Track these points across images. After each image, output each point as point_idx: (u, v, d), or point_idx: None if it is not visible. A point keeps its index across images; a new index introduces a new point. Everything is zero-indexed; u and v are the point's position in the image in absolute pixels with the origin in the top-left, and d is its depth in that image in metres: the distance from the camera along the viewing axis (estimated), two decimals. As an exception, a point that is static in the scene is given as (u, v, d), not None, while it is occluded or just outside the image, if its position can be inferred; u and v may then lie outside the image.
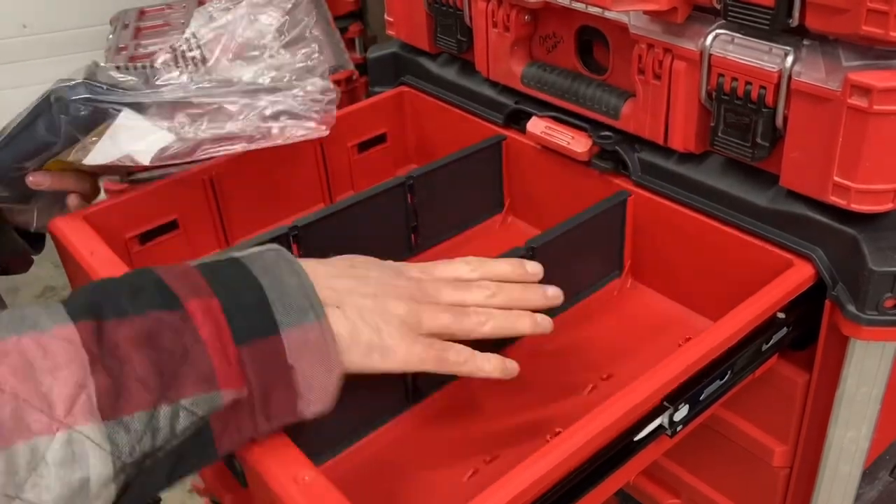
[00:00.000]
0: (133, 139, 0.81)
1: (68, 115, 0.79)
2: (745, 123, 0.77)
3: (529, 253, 0.83)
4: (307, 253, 0.90)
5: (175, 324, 0.49)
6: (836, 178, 0.71)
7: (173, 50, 0.93)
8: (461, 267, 0.69)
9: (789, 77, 0.71)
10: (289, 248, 0.89)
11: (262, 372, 0.51)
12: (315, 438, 0.73)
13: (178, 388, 0.47)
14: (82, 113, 0.79)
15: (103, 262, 0.79)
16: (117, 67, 0.85)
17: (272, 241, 0.87)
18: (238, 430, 0.52)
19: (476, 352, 0.65)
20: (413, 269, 0.68)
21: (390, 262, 0.66)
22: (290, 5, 0.95)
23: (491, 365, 0.65)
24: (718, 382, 0.72)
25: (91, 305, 0.49)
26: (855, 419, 0.80)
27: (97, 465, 0.45)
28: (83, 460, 0.44)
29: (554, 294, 0.70)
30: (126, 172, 0.92)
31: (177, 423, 0.47)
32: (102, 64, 0.84)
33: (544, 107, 0.97)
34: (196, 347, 0.49)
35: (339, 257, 0.64)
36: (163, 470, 0.49)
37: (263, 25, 0.93)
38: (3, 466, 0.42)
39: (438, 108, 1.10)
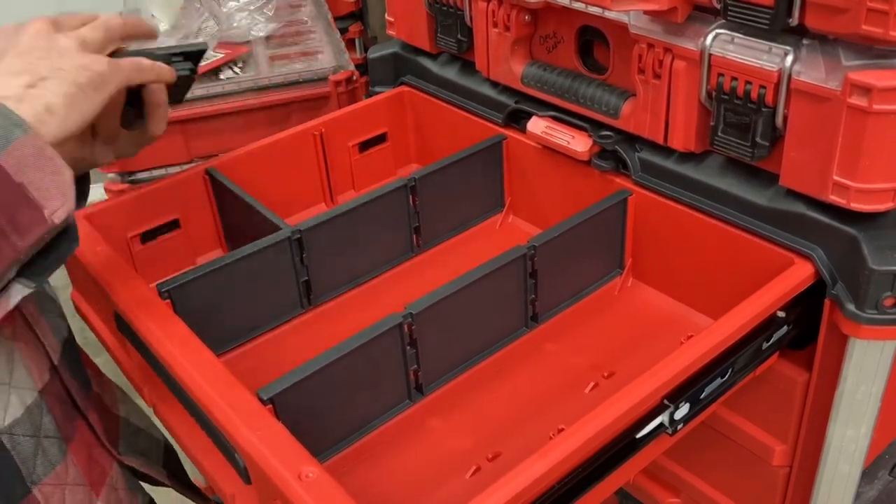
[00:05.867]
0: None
1: None
2: (744, 123, 0.77)
3: (531, 251, 0.84)
4: (311, 255, 0.90)
5: None
6: (836, 178, 0.71)
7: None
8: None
9: (789, 76, 0.71)
10: (291, 250, 0.89)
11: None
12: (318, 435, 0.73)
13: None
14: None
15: (105, 261, 0.80)
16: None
17: (276, 244, 0.87)
18: (1, 258, 0.53)
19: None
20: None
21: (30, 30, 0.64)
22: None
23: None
24: (719, 381, 0.72)
25: None
26: (854, 418, 0.80)
27: None
28: None
29: None
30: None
31: None
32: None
33: (544, 106, 0.97)
34: None
35: None
36: None
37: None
38: None
39: (439, 108, 1.10)
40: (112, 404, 0.77)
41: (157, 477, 0.78)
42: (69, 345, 0.71)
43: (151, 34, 0.73)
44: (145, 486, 0.78)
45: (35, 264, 0.57)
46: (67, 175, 0.56)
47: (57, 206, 0.55)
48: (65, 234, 0.58)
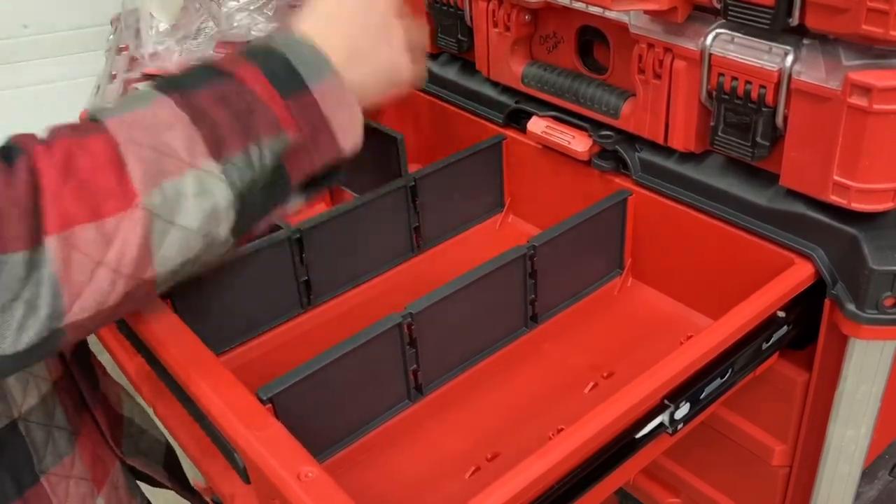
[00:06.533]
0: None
1: None
2: (745, 123, 0.77)
3: (531, 251, 0.84)
4: (311, 255, 0.90)
5: (234, 88, 0.60)
6: (836, 178, 0.71)
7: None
8: None
9: (789, 76, 0.71)
10: (291, 250, 0.89)
11: (307, 118, 0.62)
12: (317, 435, 0.73)
13: (258, 133, 0.59)
14: None
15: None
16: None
17: (276, 244, 0.87)
18: (300, 167, 0.63)
19: None
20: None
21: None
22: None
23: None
24: (719, 381, 0.72)
25: (169, 85, 0.60)
26: (854, 418, 0.80)
27: (221, 194, 0.57)
28: (210, 191, 0.57)
29: None
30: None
31: (264, 159, 0.60)
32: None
33: (545, 106, 0.97)
34: (257, 103, 0.60)
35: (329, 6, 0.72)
36: (259, 200, 0.61)
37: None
38: (160, 201, 0.54)
39: (439, 108, 1.10)
40: (117, 403, 0.78)
41: (158, 478, 0.79)
42: (80, 340, 0.71)
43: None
44: (144, 487, 0.78)
45: (306, 186, 0.67)
46: (359, 116, 0.66)
47: (349, 138, 0.65)
48: (333, 168, 0.67)
